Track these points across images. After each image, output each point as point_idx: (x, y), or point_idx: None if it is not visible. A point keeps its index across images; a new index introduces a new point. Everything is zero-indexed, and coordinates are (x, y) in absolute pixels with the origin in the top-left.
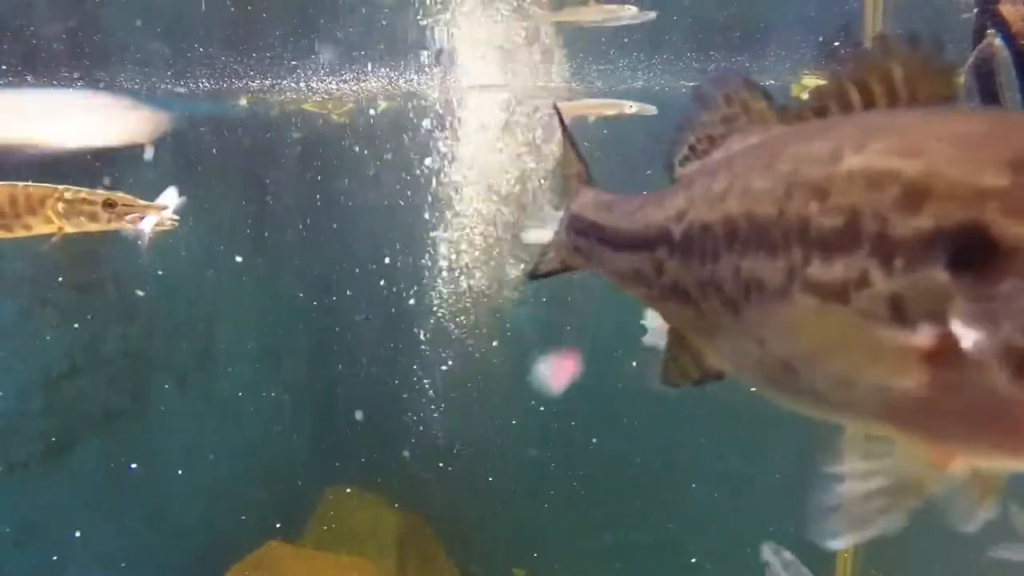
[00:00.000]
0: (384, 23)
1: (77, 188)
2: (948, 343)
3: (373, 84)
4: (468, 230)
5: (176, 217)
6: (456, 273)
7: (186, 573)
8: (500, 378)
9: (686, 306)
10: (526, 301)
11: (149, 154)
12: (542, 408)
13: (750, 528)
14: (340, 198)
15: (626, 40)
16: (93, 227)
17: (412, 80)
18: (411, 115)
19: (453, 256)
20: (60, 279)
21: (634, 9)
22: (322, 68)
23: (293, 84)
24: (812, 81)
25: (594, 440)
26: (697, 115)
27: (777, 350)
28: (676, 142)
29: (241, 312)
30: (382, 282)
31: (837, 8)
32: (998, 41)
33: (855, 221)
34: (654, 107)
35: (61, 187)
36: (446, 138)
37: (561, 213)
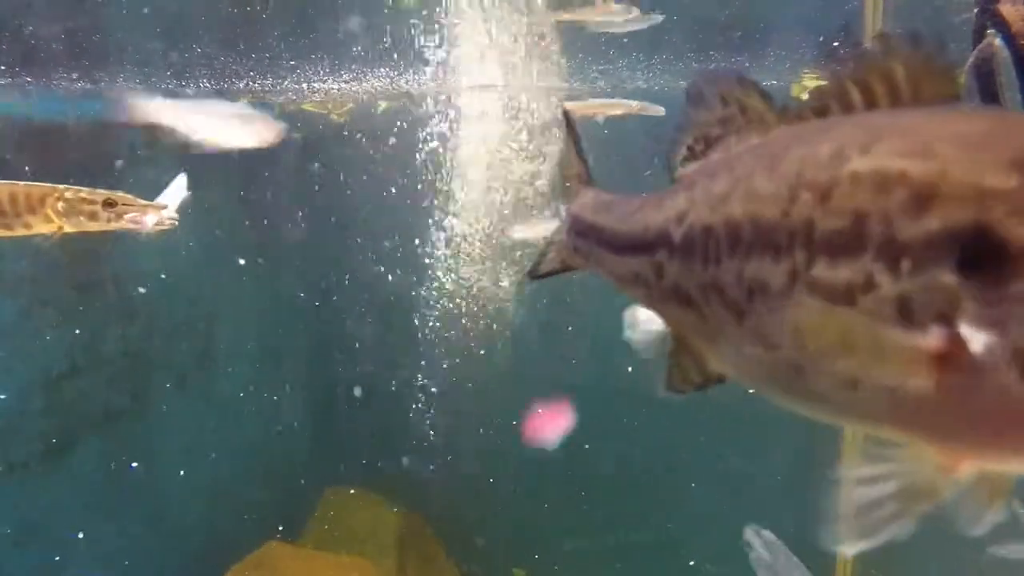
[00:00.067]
0: (384, 23)
1: (77, 187)
2: (957, 345)
3: (373, 84)
4: (468, 230)
5: (176, 216)
6: (456, 273)
7: (186, 573)
8: (500, 378)
9: (687, 309)
10: (527, 301)
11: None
12: (542, 408)
13: None
14: (340, 198)
15: (626, 40)
16: (93, 226)
17: (412, 80)
18: (411, 115)
19: (453, 256)
20: (60, 279)
21: (636, 11)
22: (322, 68)
23: (293, 84)
24: (812, 81)
25: (594, 440)
26: (692, 114)
27: (782, 353)
28: (676, 142)
29: (241, 312)
30: (382, 282)
31: (837, 8)
32: (998, 41)
33: (861, 223)
34: (662, 108)
35: (61, 186)
36: (446, 138)
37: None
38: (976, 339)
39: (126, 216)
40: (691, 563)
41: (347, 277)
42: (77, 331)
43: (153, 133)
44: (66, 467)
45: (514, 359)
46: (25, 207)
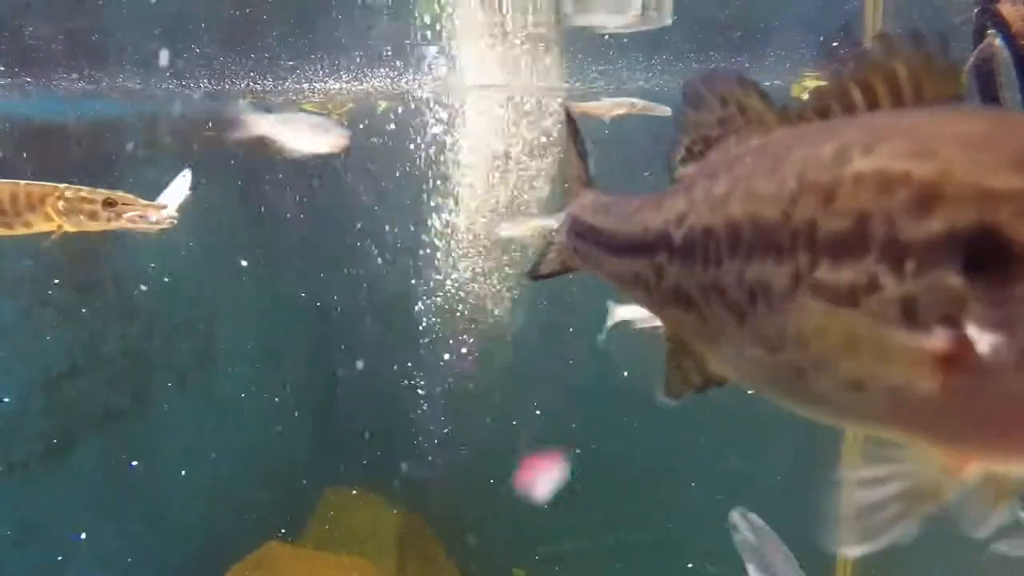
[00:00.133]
0: (383, 23)
1: (77, 187)
2: (962, 346)
3: (373, 84)
4: (469, 230)
5: (175, 215)
6: (457, 273)
7: (186, 573)
8: (500, 378)
9: (688, 311)
10: (527, 301)
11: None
12: (542, 408)
13: None
14: (340, 198)
15: (626, 40)
16: (93, 226)
17: (412, 80)
18: (411, 115)
19: (454, 256)
20: (60, 279)
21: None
22: (322, 68)
23: (294, 84)
24: (812, 81)
25: (594, 440)
26: (690, 114)
27: (784, 355)
28: (675, 142)
29: (241, 312)
30: (382, 282)
31: (837, 8)
32: (998, 41)
33: (864, 224)
34: (668, 108)
35: (62, 185)
36: (446, 138)
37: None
38: (982, 340)
39: (126, 215)
40: (691, 563)
41: (347, 277)
42: (77, 331)
43: (260, 143)
44: (66, 467)
45: (514, 359)
46: (25, 206)
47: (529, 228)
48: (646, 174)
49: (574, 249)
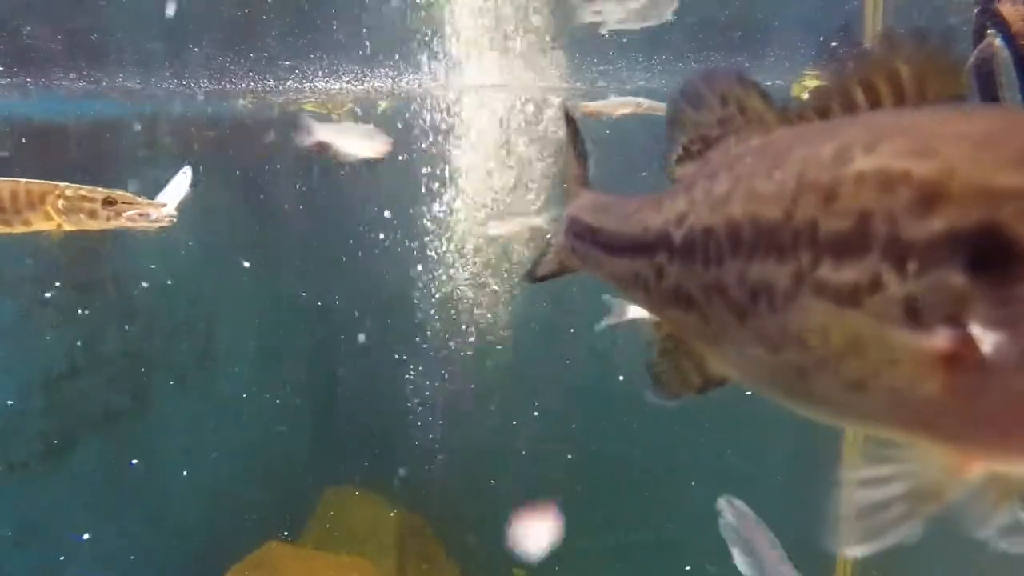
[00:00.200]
0: (384, 23)
1: (77, 185)
2: (965, 346)
3: (373, 84)
4: (469, 230)
5: (175, 213)
6: (457, 273)
7: (186, 573)
8: (501, 378)
9: (689, 311)
10: (527, 301)
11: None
12: (542, 408)
13: None
14: (340, 198)
15: (625, 40)
16: (93, 224)
17: (412, 80)
18: (411, 115)
19: (454, 256)
20: (60, 279)
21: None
22: (322, 68)
23: (295, 84)
24: (812, 81)
25: (594, 440)
26: (687, 113)
27: (787, 355)
28: (667, 140)
29: (241, 312)
30: (382, 282)
31: (837, 8)
32: (998, 41)
33: (867, 223)
34: None
35: (62, 184)
36: (446, 138)
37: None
38: (985, 339)
39: (125, 214)
40: (691, 563)
41: (347, 277)
42: (77, 331)
43: (321, 148)
44: (66, 467)
45: (514, 359)
46: (26, 204)
47: (517, 226)
48: (643, 174)
49: (572, 250)
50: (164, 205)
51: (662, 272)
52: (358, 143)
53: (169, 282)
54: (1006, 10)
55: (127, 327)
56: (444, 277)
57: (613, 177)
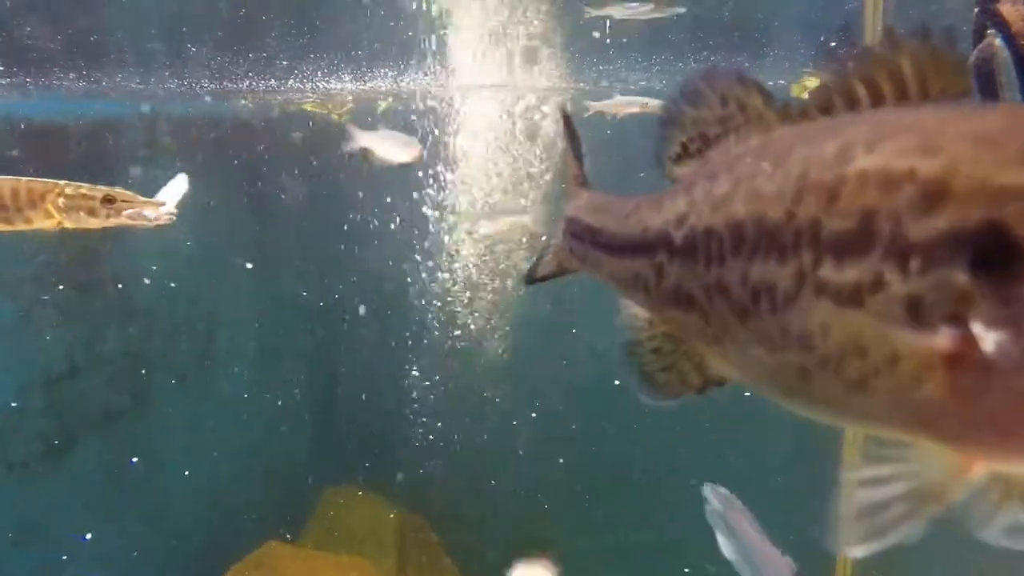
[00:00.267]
0: (384, 23)
1: (77, 183)
2: (968, 345)
3: (373, 84)
4: (469, 230)
5: (174, 212)
6: (457, 273)
7: (186, 573)
8: (501, 378)
9: (689, 311)
10: (527, 301)
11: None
12: (543, 409)
13: None
14: (340, 198)
15: (625, 40)
16: (93, 222)
17: (413, 80)
18: (411, 115)
19: (454, 256)
20: (60, 279)
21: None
22: (322, 68)
23: (296, 84)
24: (812, 81)
25: (594, 440)
26: (685, 111)
27: (788, 355)
28: (664, 138)
29: (241, 312)
30: (382, 282)
31: (837, 8)
32: (998, 41)
33: (869, 222)
34: None
35: (62, 182)
36: (446, 138)
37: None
38: (988, 339)
39: (125, 212)
40: (691, 563)
41: (347, 277)
42: (77, 331)
43: (364, 154)
44: (66, 467)
45: (515, 359)
46: (26, 202)
47: (505, 225)
48: (641, 175)
49: (571, 250)
50: (163, 203)
51: (662, 272)
52: (395, 149)
53: (169, 282)
54: (1006, 10)
55: (127, 327)
56: (444, 277)
57: (613, 177)
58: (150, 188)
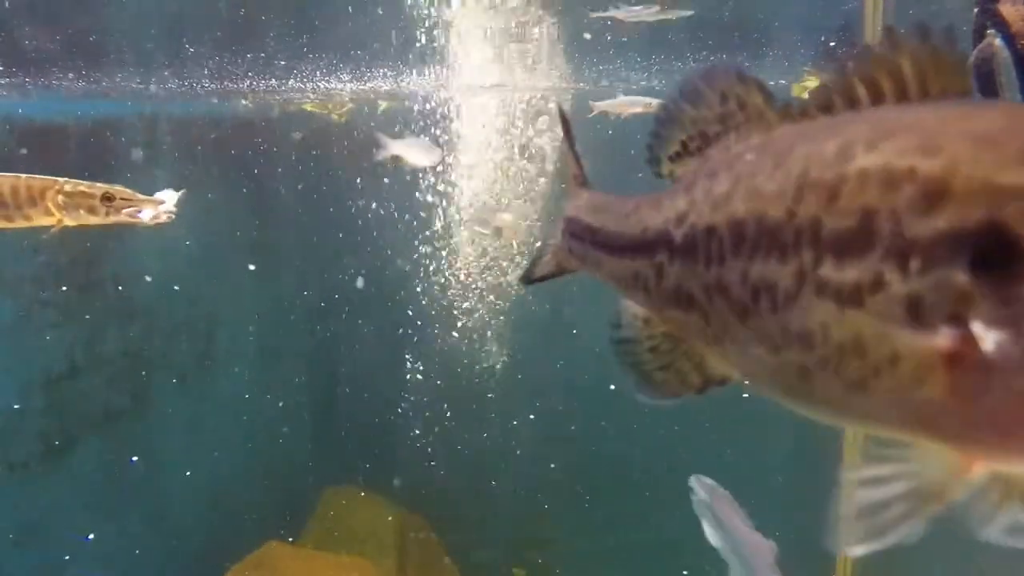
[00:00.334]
0: (384, 23)
1: (77, 181)
2: (968, 345)
3: (373, 84)
4: (468, 231)
5: (174, 210)
6: (457, 273)
7: (186, 573)
8: (501, 379)
9: (690, 311)
10: (527, 301)
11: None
12: (542, 409)
13: None
14: (340, 199)
15: (625, 40)
16: (92, 220)
17: (413, 80)
18: (411, 115)
19: (454, 257)
20: (60, 279)
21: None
22: (321, 68)
23: (297, 84)
24: (812, 81)
25: (594, 440)
26: (685, 109)
27: (789, 355)
28: (660, 137)
29: (241, 312)
30: (382, 282)
31: (837, 8)
32: (998, 41)
33: (869, 221)
34: None
35: (61, 179)
36: (447, 138)
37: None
38: (989, 338)
39: (124, 210)
40: (691, 563)
41: (347, 277)
42: (77, 331)
43: (394, 159)
44: (66, 467)
45: (515, 359)
46: (26, 199)
47: (499, 222)
48: (640, 175)
49: (570, 250)
50: (163, 201)
51: (662, 272)
52: (420, 155)
53: (169, 282)
54: (1006, 10)
55: (127, 327)
56: (444, 276)
57: (613, 177)
58: (150, 188)
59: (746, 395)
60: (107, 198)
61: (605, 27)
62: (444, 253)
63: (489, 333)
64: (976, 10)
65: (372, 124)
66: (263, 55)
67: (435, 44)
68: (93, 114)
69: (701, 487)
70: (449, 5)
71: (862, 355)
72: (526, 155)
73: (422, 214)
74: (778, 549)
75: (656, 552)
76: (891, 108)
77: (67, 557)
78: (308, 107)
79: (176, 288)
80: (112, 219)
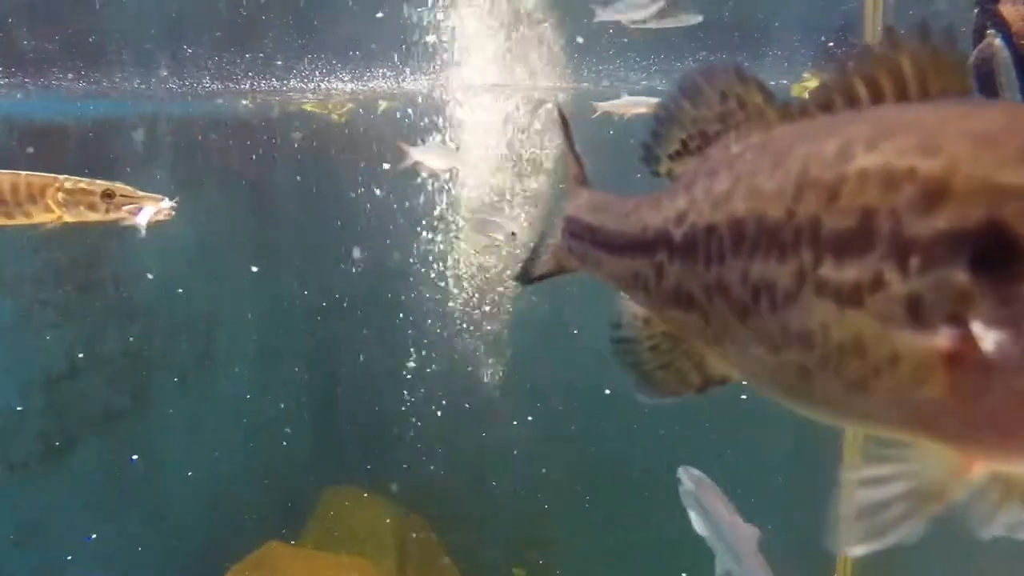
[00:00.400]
0: (384, 22)
1: (77, 178)
2: (969, 345)
3: (373, 84)
4: (469, 231)
5: (174, 206)
6: (458, 273)
7: (186, 573)
8: (501, 379)
9: (690, 311)
10: (528, 301)
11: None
12: (543, 409)
13: None
14: (340, 198)
15: (625, 40)
16: (92, 217)
17: (413, 80)
18: (411, 115)
19: (454, 257)
20: (60, 279)
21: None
22: (321, 68)
23: (298, 84)
24: (812, 81)
25: (594, 440)
26: (684, 108)
27: (789, 355)
28: (659, 135)
29: (241, 312)
30: (382, 282)
31: (837, 8)
32: (998, 41)
33: (869, 221)
34: None
35: (61, 176)
36: (447, 138)
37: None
38: (989, 338)
39: (124, 207)
40: (691, 564)
41: (347, 277)
42: (77, 331)
43: (415, 165)
44: (66, 467)
45: (515, 360)
46: (26, 196)
47: (492, 221)
48: (638, 175)
49: (570, 249)
50: (163, 198)
51: (662, 271)
52: (439, 160)
53: (169, 282)
54: (1006, 10)
55: (127, 327)
56: (444, 276)
57: (613, 177)
58: (150, 189)
59: (746, 395)
60: (107, 195)
61: (604, 28)
62: (444, 253)
63: (489, 333)
64: (976, 10)
65: (371, 124)
66: (263, 55)
67: (435, 44)
68: (93, 114)
69: (688, 478)
70: (449, 5)
71: (862, 355)
72: (528, 155)
73: (422, 213)
74: (761, 535)
75: (656, 552)
76: (891, 107)
77: (67, 557)
78: (308, 107)
79: (176, 288)
80: (112, 216)
